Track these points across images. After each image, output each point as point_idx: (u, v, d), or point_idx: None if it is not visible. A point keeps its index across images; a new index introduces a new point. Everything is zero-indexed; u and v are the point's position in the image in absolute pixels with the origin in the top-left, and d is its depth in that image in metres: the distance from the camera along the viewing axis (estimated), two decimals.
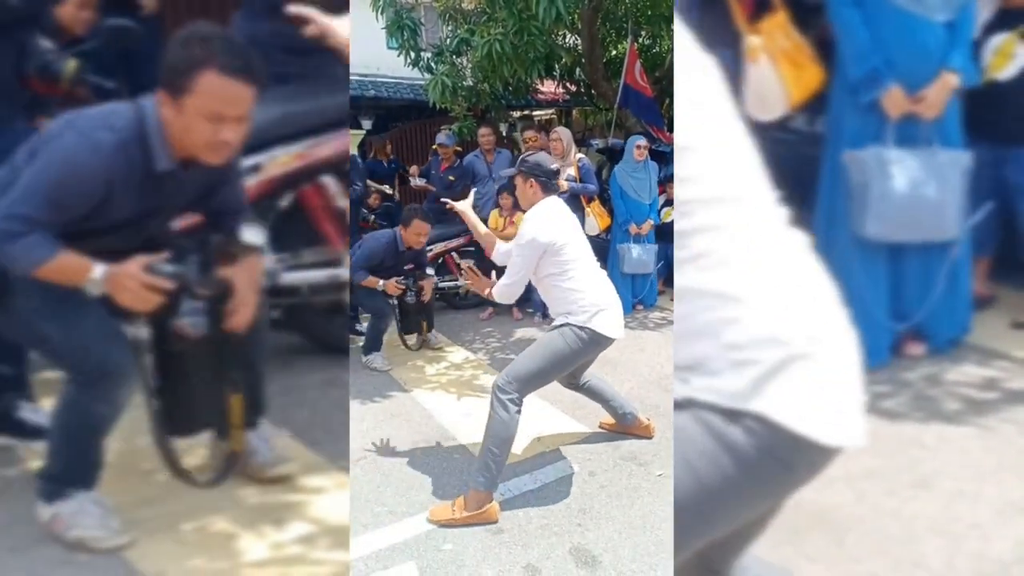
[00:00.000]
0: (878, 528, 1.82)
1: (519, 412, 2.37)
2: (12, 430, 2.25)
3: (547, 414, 3.17)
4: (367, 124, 9.61)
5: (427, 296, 4.15)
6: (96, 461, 1.91)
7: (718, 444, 0.98)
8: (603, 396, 2.87)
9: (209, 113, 1.64)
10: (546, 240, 2.41)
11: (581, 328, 2.41)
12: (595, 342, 2.45)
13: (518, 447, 2.82)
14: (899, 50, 2.43)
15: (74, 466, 1.90)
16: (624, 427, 2.92)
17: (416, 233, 3.97)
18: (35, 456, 2.20)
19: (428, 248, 4.50)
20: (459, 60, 5.89)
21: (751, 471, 0.98)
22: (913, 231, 2.48)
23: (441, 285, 5.04)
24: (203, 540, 1.91)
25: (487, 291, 2.65)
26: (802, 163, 2.79)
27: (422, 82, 6.40)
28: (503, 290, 2.56)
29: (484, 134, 5.33)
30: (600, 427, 3.01)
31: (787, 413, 0.95)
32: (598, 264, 2.64)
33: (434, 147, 5.77)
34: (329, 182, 2.90)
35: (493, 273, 2.68)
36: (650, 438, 2.89)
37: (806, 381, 0.95)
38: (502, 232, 4.98)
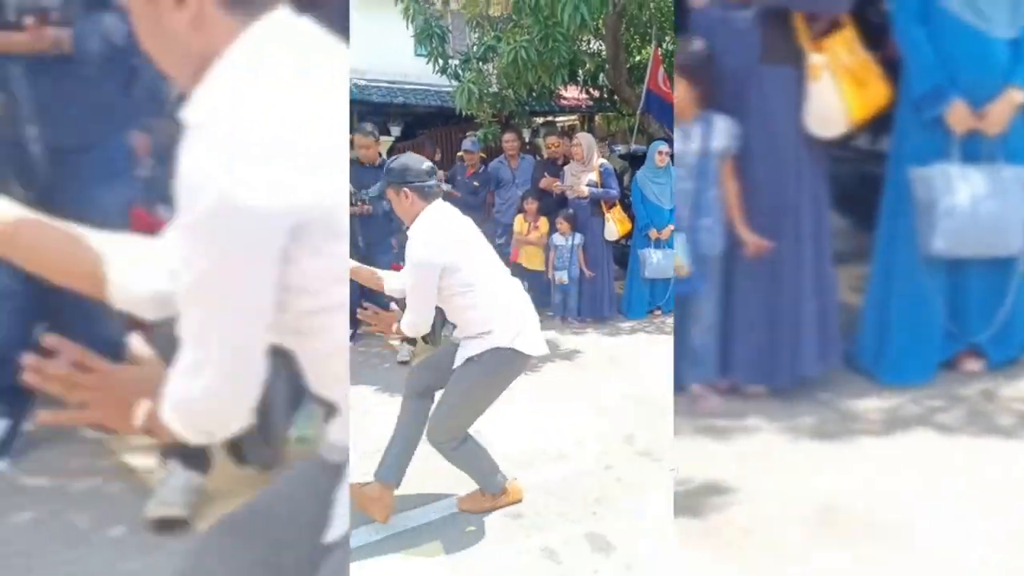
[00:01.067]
0: (929, 538, 1.85)
1: (469, 441, 2.32)
2: None
3: (565, 411, 3.28)
4: (396, 131, 9.79)
5: None
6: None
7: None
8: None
9: None
10: (441, 260, 2.12)
11: (504, 350, 2.20)
12: (519, 363, 2.27)
13: (539, 442, 2.94)
14: (964, 66, 2.45)
15: None
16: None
17: None
18: (124, 447, 2.33)
19: None
20: (485, 67, 6.01)
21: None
22: (979, 247, 2.50)
23: None
24: None
25: (394, 327, 2.25)
26: (864, 181, 2.80)
27: (449, 89, 6.54)
28: (411, 325, 2.21)
29: (508, 140, 5.45)
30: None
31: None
32: (505, 268, 2.41)
33: (460, 154, 5.90)
34: None
35: (392, 303, 2.34)
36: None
37: None
38: (526, 236, 5.06)
